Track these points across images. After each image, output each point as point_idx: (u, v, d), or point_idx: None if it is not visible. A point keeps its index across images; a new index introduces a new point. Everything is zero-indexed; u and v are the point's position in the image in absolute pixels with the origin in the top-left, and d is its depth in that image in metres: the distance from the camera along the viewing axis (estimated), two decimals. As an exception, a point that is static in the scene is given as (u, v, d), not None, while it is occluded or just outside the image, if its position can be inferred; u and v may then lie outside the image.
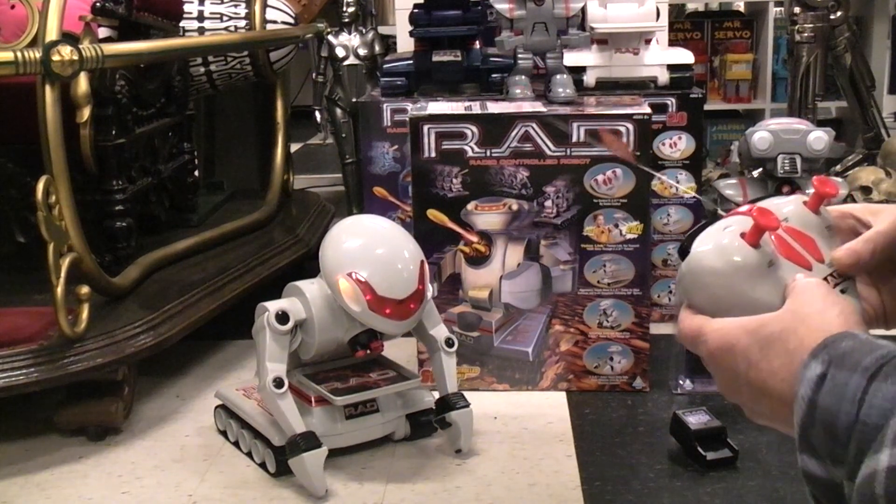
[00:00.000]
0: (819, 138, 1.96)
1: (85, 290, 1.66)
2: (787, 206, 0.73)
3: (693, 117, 2.11)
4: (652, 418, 1.74)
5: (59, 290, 1.57)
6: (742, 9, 4.20)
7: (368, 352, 1.55)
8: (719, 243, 0.70)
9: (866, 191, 2.65)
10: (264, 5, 2.52)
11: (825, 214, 0.73)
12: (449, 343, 1.61)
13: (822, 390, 0.60)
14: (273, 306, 1.52)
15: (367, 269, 1.47)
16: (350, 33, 2.82)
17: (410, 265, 1.51)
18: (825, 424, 0.59)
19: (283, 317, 1.50)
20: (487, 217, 1.81)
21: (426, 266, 1.55)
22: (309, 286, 1.54)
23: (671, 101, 2.09)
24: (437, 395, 1.63)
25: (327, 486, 1.50)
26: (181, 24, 2.36)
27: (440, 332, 1.62)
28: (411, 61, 2.17)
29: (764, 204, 0.73)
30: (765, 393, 0.67)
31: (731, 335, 0.69)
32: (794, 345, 0.65)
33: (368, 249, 1.51)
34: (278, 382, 1.47)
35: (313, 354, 1.56)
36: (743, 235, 0.70)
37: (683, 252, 0.73)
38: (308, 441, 1.48)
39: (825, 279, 0.70)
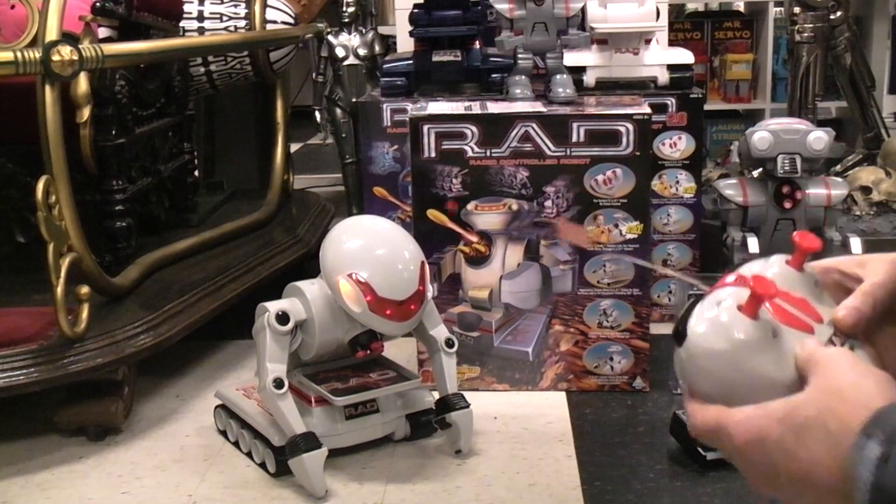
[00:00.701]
0: (819, 138, 1.96)
1: (85, 290, 1.66)
2: (770, 269, 0.69)
3: (693, 117, 2.11)
4: (652, 418, 1.74)
5: (59, 290, 1.57)
6: (742, 9, 4.20)
7: (369, 352, 1.55)
8: (717, 321, 0.65)
9: (866, 191, 2.65)
10: (264, 5, 2.52)
11: (810, 271, 0.70)
12: (449, 343, 1.61)
13: (887, 472, 0.54)
14: (273, 307, 1.52)
15: (367, 269, 1.47)
16: (350, 33, 2.82)
17: (411, 266, 1.51)
18: None
19: (283, 317, 1.50)
20: (487, 217, 1.81)
21: (426, 267, 1.55)
22: (309, 286, 1.54)
23: (671, 101, 2.09)
24: (437, 395, 1.63)
25: (327, 486, 1.50)
26: (181, 24, 2.36)
27: (440, 332, 1.62)
28: (411, 61, 2.17)
29: (748, 269, 0.69)
30: (809, 485, 0.60)
31: (760, 426, 0.62)
32: (836, 426, 0.58)
33: (369, 250, 1.51)
34: (278, 383, 1.47)
35: (313, 355, 1.56)
36: (740, 308, 0.65)
37: (679, 336, 0.67)
38: (308, 441, 1.48)
39: (829, 340, 0.66)
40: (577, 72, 2.09)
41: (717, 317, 0.66)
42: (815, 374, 0.62)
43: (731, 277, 0.68)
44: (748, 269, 0.69)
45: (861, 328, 0.67)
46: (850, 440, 0.57)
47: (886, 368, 0.67)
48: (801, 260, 0.69)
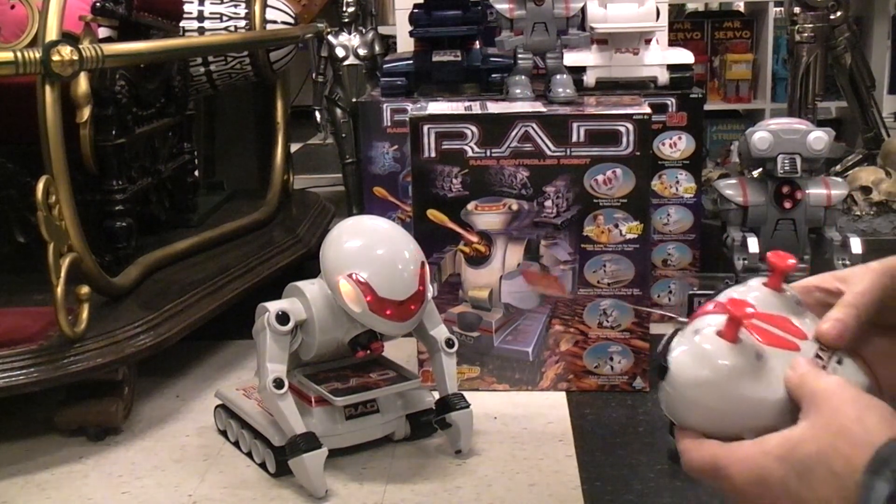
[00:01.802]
0: (819, 138, 1.96)
1: (85, 290, 1.66)
2: (749, 294, 0.68)
3: (693, 117, 2.11)
4: (652, 418, 1.74)
5: (59, 290, 1.57)
6: (742, 9, 4.20)
7: (369, 352, 1.55)
8: (698, 349, 0.64)
9: (866, 191, 2.65)
10: (264, 5, 2.52)
11: (789, 290, 0.69)
12: (449, 343, 1.61)
13: None
14: (273, 307, 1.52)
15: (367, 270, 1.47)
16: (350, 33, 2.82)
17: (411, 266, 1.51)
18: None
19: (283, 317, 1.50)
20: (487, 217, 1.81)
21: (427, 267, 1.55)
22: (309, 286, 1.54)
23: (671, 101, 2.09)
24: (437, 395, 1.63)
25: (327, 486, 1.50)
26: (181, 24, 2.36)
27: (440, 332, 1.62)
28: (411, 61, 2.16)
29: (725, 295, 0.68)
30: None
31: (759, 465, 0.60)
32: (840, 466, 0.57)
33: (369, 250, 1.51)
34: (278, 383, 1.47)
35: (313, 355, 1.56)
36: (719, 334, 0.64)
37: (661, 370, 0.66)
38: (308, 442, 1.48)
39: (816, 356, 0.65)
40: (577, 72, 2.09)
41: (697, 345, 0.65)
42: (814, 409, 0.60)
43: (710, 306, 0.67)
44: (726, 296, 0.68)
45: (846, 340, 0.65)
46: (856, 479, 0.55)
47: (881, 384, 0.67)
48: (778, 280, 0.68)
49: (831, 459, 0.57)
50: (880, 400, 0.60)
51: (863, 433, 0.57)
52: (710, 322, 0.65)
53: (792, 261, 0.68)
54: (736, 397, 0.63)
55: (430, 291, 1.57)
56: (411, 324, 1.53)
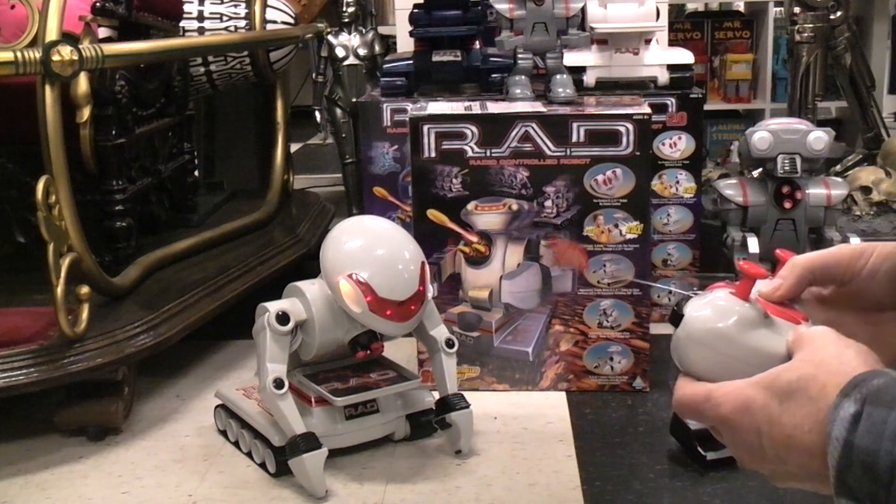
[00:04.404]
0: (819, 138, 1.96)
1: (85, 290, 1.66)
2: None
3: (693, 117, 2.11)
4: (652, 418, 1.74)
5: (59, 290, 1.57)
6: (742, 9, 4.20)
7: (369, 352, 1.55)
8: (715, 304, 0.72)
9: (866, 191, 2.65)
10: (264, 5, 2.52)
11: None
12: (449, 344, 1.61)
13: (858, 430, 0.57)
14: (273, 307, 1.52)
15: (367, 270, 1.47)
16: (350, 33, 2.82)
17: (411, 266, 1.51)
18: (864, 465, 0.56)
19: (283, 317, 1.50)
20: (487, 217, 1.81)
21: (427, 267, 1.55)
22: (309, 287, 1.54)
23: (671, 101, 2.09)
24: (437, 395, 1.63)
25: (327, 486, 1.50)
26: (181, 24, 2.36)
27: (440, 332, 1.62)
28: (411, 61, 2.16)
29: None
30: (791, 448, 0.63)
31: (745, 393, 0.66)
32: (816, 391, 0.62)
33: (369, 250, 1.51)
34: (278, 383, 1.47)
35: (313, 355, 1.56)
36: (733, 293, 0.72)
37: (676, 318, 0.73)
38: (308, 442, 1.48)
39: None
40: (577, 72, 2.09)
41: (713, 300, 0.72)
42: (800, 348, 0.66)
43: (720, 284, 0.75)
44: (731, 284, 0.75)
45: (782, 292, 0.72)
46: (829, 403, 0.60)
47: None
48: (746, 288, 0.74)
49: (809, 386, 0.62)
50: (862, 344, 0.65)
51: (839, 364, 0.62)
52: (722, 289, 0.73)
53: (763, 272, 0.75)
54: (744, 344, 0.69)
55: (430, 291, 1.57)
56: (411, 324, 1.53)
